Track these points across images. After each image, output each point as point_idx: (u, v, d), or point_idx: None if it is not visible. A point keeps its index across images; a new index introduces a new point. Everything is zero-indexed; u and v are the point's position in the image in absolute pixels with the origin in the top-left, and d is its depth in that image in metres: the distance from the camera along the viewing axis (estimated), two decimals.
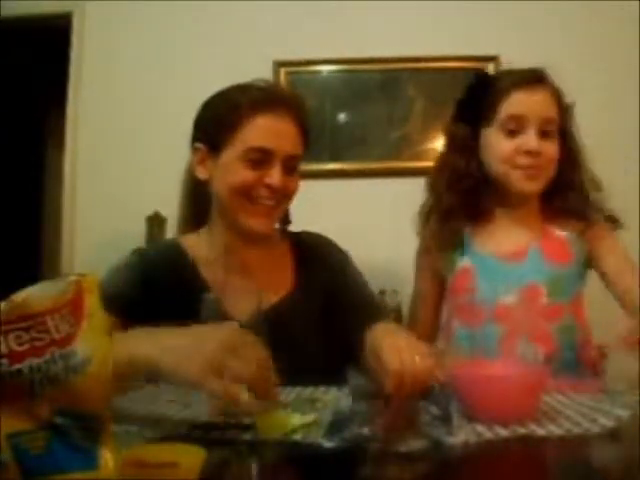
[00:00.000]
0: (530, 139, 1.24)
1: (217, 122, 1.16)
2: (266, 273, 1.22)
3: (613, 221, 1.30)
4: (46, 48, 2.88)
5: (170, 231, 2.12)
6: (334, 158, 2.72)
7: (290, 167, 1.15)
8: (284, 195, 1.17)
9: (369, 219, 2.63)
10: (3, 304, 0.54)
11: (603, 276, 1.28)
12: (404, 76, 2.70)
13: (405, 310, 2.48)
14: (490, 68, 2.56)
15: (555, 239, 1.29)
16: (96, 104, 2.75)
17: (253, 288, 1.16)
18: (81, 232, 2.72)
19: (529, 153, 1.24)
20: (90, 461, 0.55)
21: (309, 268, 1.25)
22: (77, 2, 2.77)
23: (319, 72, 2.75)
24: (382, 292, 2.57)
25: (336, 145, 2.72)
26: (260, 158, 1.12)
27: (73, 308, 0.57)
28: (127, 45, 2.77)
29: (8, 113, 3.34)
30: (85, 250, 2.61)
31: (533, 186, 1.27)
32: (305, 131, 1.19)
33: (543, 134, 1.25)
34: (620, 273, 1.25)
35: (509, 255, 1.30)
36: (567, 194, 1.29)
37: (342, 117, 2.75)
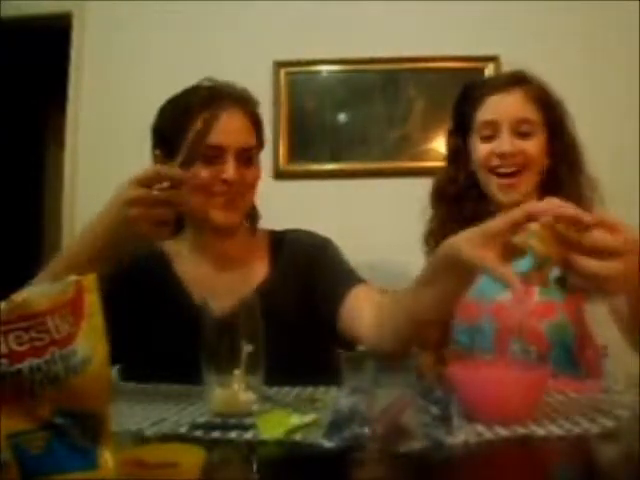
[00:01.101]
0: (503, 142, 1.25)
1: (170, 126, 1.20)
2: (242, 264, 1.25)
3: None
4: (46, 48, 2.88)
5: None
6: (334, 158, 2.72)
7: (246, 159, 1.18)
8: (243, 187, 1.19)
9: (369, 219, 2.63)
10: (3, 304, 0.54)
11: None
12: (404, 76, 2.70)
13: None
14: (490, 68, 2.57)
15: None
16: (96, 104, 2.75)
17: (228, 281, 1.20)
18: None
19: (503, 156, 1.25)
20: (90, 461, 0.55)
21: (286, 254, 1.27)
22: (77, 2, 2.78)
23: (319, 72, 2.75)
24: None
25: (336, 145, 2.72)
26: (213, 155, 1.15)
27: (73, 308, 0.57)
28: (127, 45, 2.77)
29: (8, 113, 3.34)
30: None
31: (511, 197, 1.27)
32: (256, 123, 1.23)
33: (520, 135, 1.26)
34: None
35: None
36: (560, 193, 1.29)
37: (342, 117, 2.74)
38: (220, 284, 1.20)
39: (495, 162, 1.27)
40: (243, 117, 1.19)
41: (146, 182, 0.92)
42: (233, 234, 1.23)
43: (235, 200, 1.18)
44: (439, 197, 1.40)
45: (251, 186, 1.22)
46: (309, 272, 1.24)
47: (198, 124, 1.02)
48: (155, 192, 0.92)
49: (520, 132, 1.27)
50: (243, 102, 1.21)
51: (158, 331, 1.17)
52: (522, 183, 1.27)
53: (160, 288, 1.20)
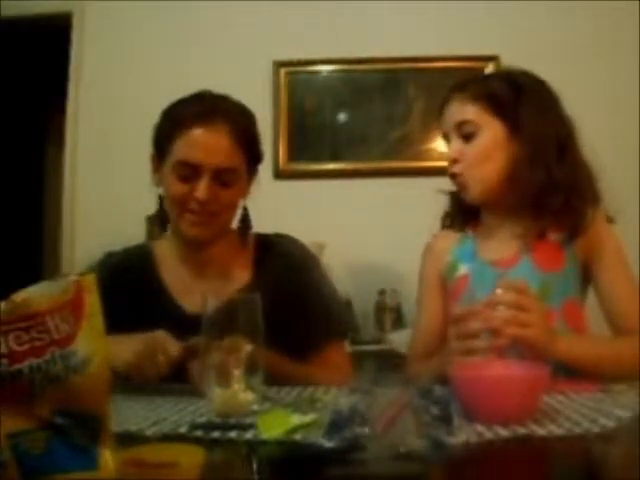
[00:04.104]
0: (450, 147, 1.26)
1: (160, 133, 1.19)
2: (222, 272, 1.24)
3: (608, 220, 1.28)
4: (46, 48, 2.88)
5: None
6: (334, 158, 2.72)
7: (224, 180, 1.15)
8: (218, 207, 1.16)
9: (369, 219, 2.63)
10: (3, 304, 0.54)
11: (597, 293, 1.25)
12: (404, 76, 2.70)
13: (405, 309, 2.49)
14: (490, 68, 2.57)
15: (548, 244, 1.27)
16: (96, 104, 2.75)
17: (208, 288, 1.18)
18: (81, 232, 2.72)
19: (451, 161, 1.26)
20: (90, 461, 0.55)
21: (268, 264, 1.25)
22: (77, 2, 2.78)
23: (319, 72, 2.76)
24: (382, 292, 2.57)
25: (336, 145, 2.73)
26: (188, 172, 1.13)
27: (73, 308, 0.57)
28: (127, 45, 2.77)
29: (8, 113, 3.34)
30: (85, 250, 2.61)
31: (467, 196, 1.27)
32: (247, 140, 1.18)
33: (463, 137, 1.25)
34: (615, 294, 1.21)
35: (502, 262, 1.29)
36: (520, 185, 1.28)
37: (342, 117, 2.75)
38: (200, 290, 1.16)
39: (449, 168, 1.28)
40: (228, 136, 1.14)
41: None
42: (210, 244, 1.22)
43: (208, 219, 1.16)
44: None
45: (227, 206, 1.19)
46: (291, 289, 1.22)
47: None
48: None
49: (464, 135, 1.26)
50: (233, 119, 1.16)
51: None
52: (469, 183, 1.27)
53: (146, 291, 1.20)
